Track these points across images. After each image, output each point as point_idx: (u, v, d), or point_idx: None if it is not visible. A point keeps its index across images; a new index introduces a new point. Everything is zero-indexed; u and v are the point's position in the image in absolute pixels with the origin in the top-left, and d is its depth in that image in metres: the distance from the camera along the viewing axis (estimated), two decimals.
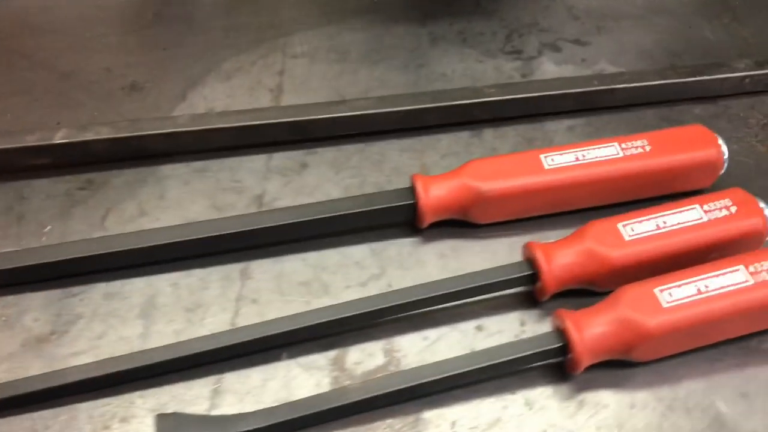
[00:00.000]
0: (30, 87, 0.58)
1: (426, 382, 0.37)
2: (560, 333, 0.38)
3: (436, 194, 0.44)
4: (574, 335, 0.37)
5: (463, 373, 0.38)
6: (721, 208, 0.42)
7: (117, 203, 0.49)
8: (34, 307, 0.43)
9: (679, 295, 0.38)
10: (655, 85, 0.53)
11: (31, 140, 0.50)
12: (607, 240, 0.41)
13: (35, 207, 0.49)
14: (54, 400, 0.39)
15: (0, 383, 0.39)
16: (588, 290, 0.42)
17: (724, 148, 0.46)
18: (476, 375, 0.38)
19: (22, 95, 0.57)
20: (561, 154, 0.45)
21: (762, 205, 0.42)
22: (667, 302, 0.37)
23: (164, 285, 0.44)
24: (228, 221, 0.45)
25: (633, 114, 0.54)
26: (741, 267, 0.38)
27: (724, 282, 0.38)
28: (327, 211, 0.45)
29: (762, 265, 0.38)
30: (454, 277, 0.42)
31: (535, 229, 0.46)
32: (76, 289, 0.44)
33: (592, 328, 0.37)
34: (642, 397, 0.39)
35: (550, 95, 0.52)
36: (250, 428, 0.36)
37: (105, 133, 0.50)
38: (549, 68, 0.58)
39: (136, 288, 0.44)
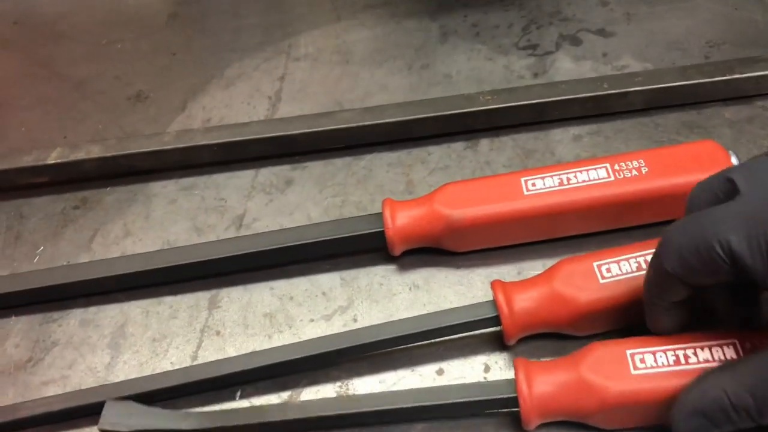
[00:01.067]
0: (45, 99, 0.59)
1: (368, 412, 0.36)
2: (514, 383, 0.35)
3: (403, 222, 0.42)
4: (523, 390, 0.34)
5: (409, 408, 0.35)
6: None
7: (105, 223, 0.49)
8: (16, 332, 0.44)
9: (652, 362, 0.33)
10: (675, 86, 0.47)
11: (28, 160, 0.51)
12: (578, 282, 0.37)
13: (32, 227, 0.50)
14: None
15: None
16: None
17: None
18: (422, 413, 0.36)
19: (37, 108, 0.59)
20: (543, 178, 0.41)
21: None
22: (637, 369, 0.33)
23: (136, 312, 0.44)
24: (196, 249, 0.44)
25: (651, 119, 0.48)
26: (735, 341, 0.33)
27: (710, 356, 0.33)
28: (294, 239, 0.43)
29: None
30: (416, 317, 0.39)
31: (517, 258, 0.43)
32: (56, 314, 0.45)
33: (545, 386, 0.34)
34: None
35: (553, 101, 0.47)
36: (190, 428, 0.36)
37: (95, 153, 0.50)
38: (564, 65, 0.53)
39: (110, 315, 0.44)
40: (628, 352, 0.33)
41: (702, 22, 0.54)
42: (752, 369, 0.29)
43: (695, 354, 0.33)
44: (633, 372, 0.33)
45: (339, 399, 0.38)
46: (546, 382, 0.34)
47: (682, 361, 0.32)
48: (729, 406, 0.29)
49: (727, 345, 0.33)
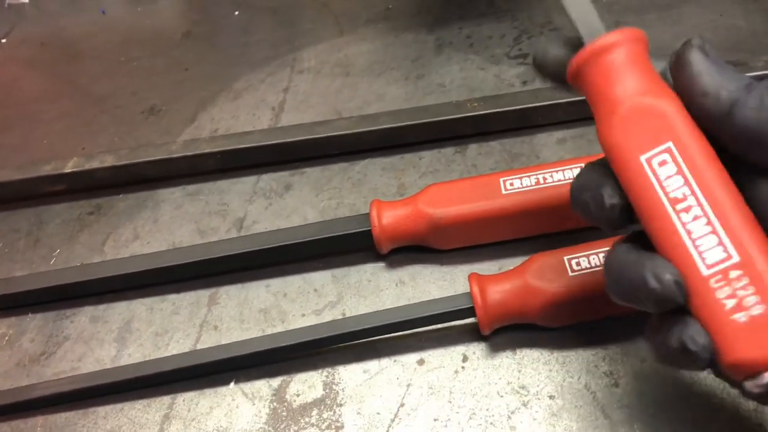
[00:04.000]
0: (66, 114, 0.63)
1: None
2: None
3: (389, 222, 0.44)
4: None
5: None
6: None
7: (116, 228, 0.52)
8: (33, 328, 0.47)
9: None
10: None
11: (47, 170, 0.54)
12: (548, 275, 0.38)
13: (50, 231, 0.53)
14: (29, 412, 0.43)
15: None
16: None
17: None
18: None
19: (59, 122, 0.63)
20: (520, 178, 0.43)
21: None
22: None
23: (141, 309, 0.47)
24: (197, 249, 0.47)
25: None
26: None
27: None
28: (287, 239, 0.45)
29: None
30: (397, 308, 0.41)
31: (498, 255, 0.45)
32: (69, 312, 0.48)
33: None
34: None
35: (538, 107, 0.49)
36: None
37: (108, 162, 0.54)
38: None
39: (117, 312, 0.47)
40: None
41: (688, 28, 0.55)
42: None
43: None
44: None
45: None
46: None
47: None
48: None
49: None
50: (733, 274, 0.26)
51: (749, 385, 0.26)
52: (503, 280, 0.39)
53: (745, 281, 0.26)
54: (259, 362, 0.42)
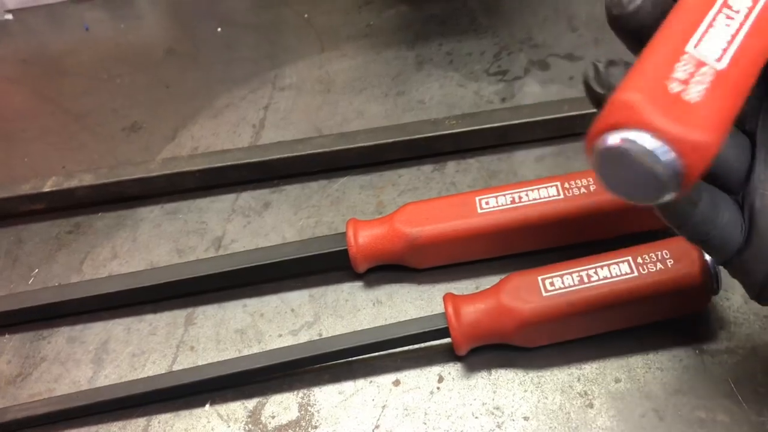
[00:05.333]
0: (47, 131, 0.63)
1: None
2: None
3: (366, 241, 0.44)
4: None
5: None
6: (656, 262, 0.38)
7: (95, 247, 0.52)
8: (9, 350, 0.47)
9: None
10: None
11: (26, 189, 0.54)
12: (522, 295, 0.38)
13: (28, 250, 0.53)
14: None
15: None
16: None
17: None
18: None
19: (40, 140, 0.62)
20: (496, 197, 0.43)
21: (707, 257, 0.38)
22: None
23: (119, 330, 0.47)
24: (173, 269, 0.47)
25: None
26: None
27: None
28: (264, 259, 0.45)
29: None
30: (372, 328, 0.41)
31: (476, 274, 0.45)
32: (45, 332, 0.48)
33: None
34: None
35: (515, 124, 0.50)
36: None
37: (87, 180, 0.54)
38: (532, 90, 0.55)
39: (94, 332, 0.47)
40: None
41: None
42: None
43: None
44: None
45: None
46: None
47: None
48: None
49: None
50: (705, 70, 0.24)
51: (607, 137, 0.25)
52: (478, 301, 0.39)
53: (708, 79, 0.24)
54: (235, 383, 0.42)
